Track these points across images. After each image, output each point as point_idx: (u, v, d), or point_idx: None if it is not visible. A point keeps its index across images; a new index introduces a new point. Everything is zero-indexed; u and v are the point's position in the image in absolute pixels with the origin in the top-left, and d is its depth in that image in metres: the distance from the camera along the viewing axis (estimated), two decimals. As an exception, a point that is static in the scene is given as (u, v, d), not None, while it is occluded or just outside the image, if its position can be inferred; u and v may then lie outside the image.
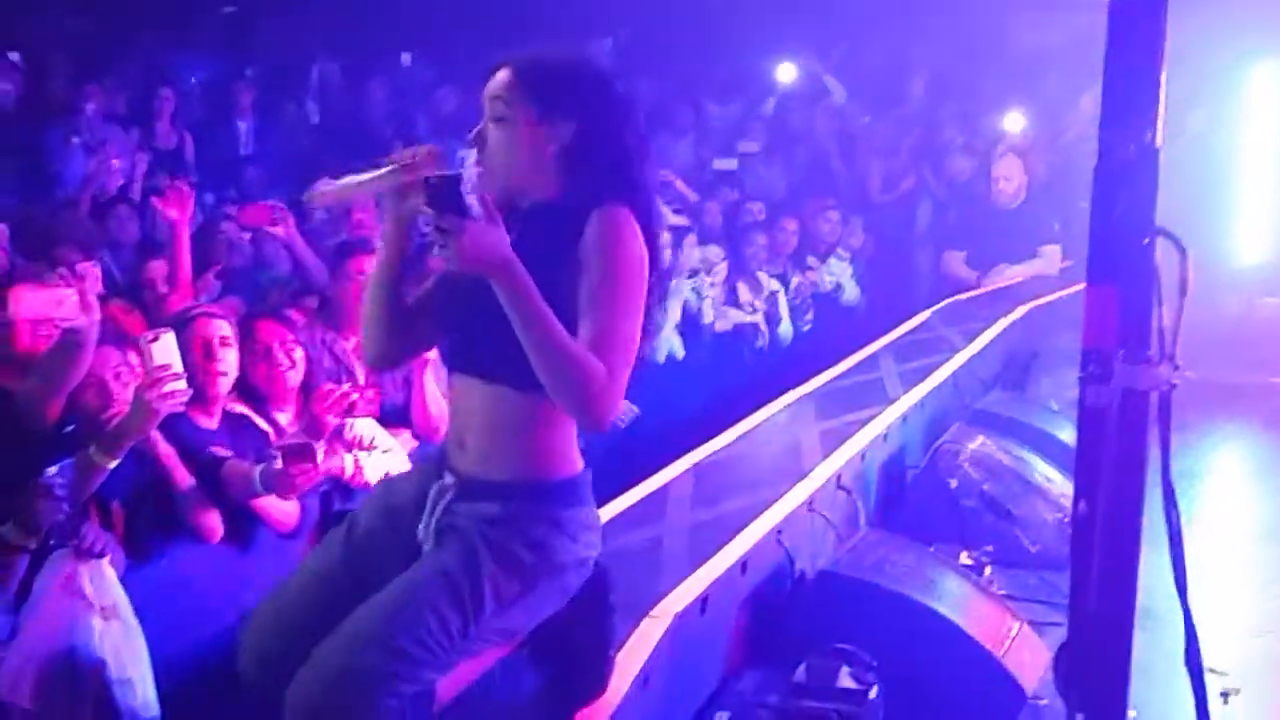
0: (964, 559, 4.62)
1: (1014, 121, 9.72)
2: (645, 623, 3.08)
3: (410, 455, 4.46)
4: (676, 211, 7.82)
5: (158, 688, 3.34)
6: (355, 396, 4.15)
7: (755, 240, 7.93)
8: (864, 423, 5.04)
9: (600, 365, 2.39)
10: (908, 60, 11.17)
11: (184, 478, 3.85)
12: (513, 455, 2.55)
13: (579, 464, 2.62)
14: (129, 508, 3.78)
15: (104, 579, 3.33)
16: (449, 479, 2.59)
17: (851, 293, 8.56)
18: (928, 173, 9.70)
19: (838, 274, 8.53)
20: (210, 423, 4.06)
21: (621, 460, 4.60)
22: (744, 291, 7.71)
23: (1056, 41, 10.70)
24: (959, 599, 3.93)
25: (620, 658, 2.86)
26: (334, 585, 2.60)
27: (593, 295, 2.45)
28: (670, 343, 6.78)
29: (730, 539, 3.70)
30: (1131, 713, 2.75)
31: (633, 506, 3.98)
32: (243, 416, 4.20)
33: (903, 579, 3.88)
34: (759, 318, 7.70)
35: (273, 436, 4.18)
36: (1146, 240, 2.59)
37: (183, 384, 3.52)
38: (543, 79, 2.57)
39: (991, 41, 11.26)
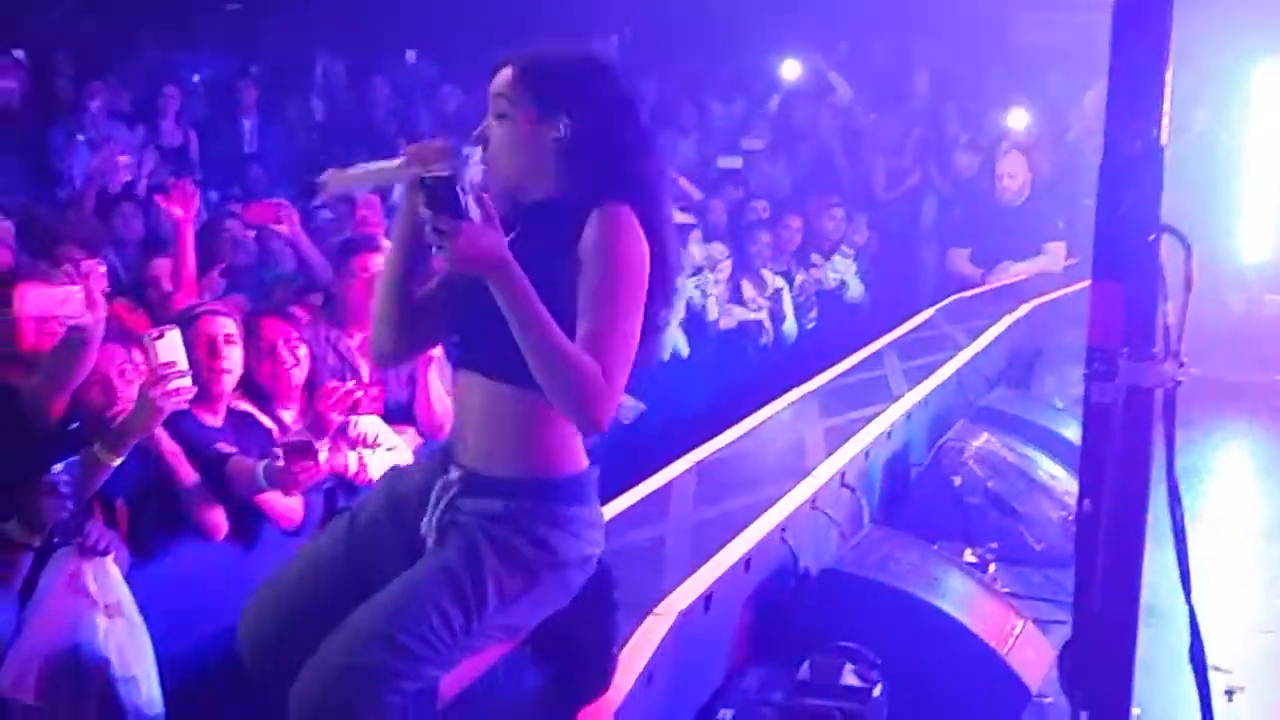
0: (968, 557, 4.61)
1: (1018, 118, 9.72)
2: (649, 620, 3.08)
3: (415, 453, 4.47)
4: (681, 209, 7.81)
5: (162, 685, 3.34)
6: (359, 394, 4.16)
7: (759, 238, 7.93)
8: (868, 420, 5.04)
9: (596, 368, 2.39)
10: (911, 57, 11.17)
11: (188, 475, 3.86)
12: (515, 452, 2.55)
13: (583, 462, 2.61)
14: (133, 505, 3.78)
15: (108, 577, 3.33)
16: (454, 474, 2.59)
17: (856, 290, 8.56)
18: (932, 170, 9.70)
19: (842, 271, 8.52)
20: (215, 420, 4.07)
21: (625, 458, 4.60)
22: (748, 289, 7.71)
23: (1060, 39, 10.72)
24: (963, 597, 3.93)
25: (624, 655, 2.86)
26: (334, 573, 2.61)
27: (591, 295, 2.44)
28: (675, 340, 6.77)
29: (734, 536, 3.70)
30: (1136, 710, 2.75)
31: (636, 504, 3.97)
32: (247, 414, 4.20)
33: (907, 577, 3.88)
34: (763, 315, 7.70)
35: (277, 434, 4.18)
36: (1152, 237, 2.59)
37: (187, 381, 3.53)
38: (542, 76, 2.57)
39: (995, 38, 11.27)
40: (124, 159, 7.78)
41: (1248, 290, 9.32)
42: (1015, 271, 8.20)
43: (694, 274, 7.17)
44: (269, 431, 4.19)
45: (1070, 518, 4.54)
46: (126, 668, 3.27)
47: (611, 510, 3.64)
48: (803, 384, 5.67)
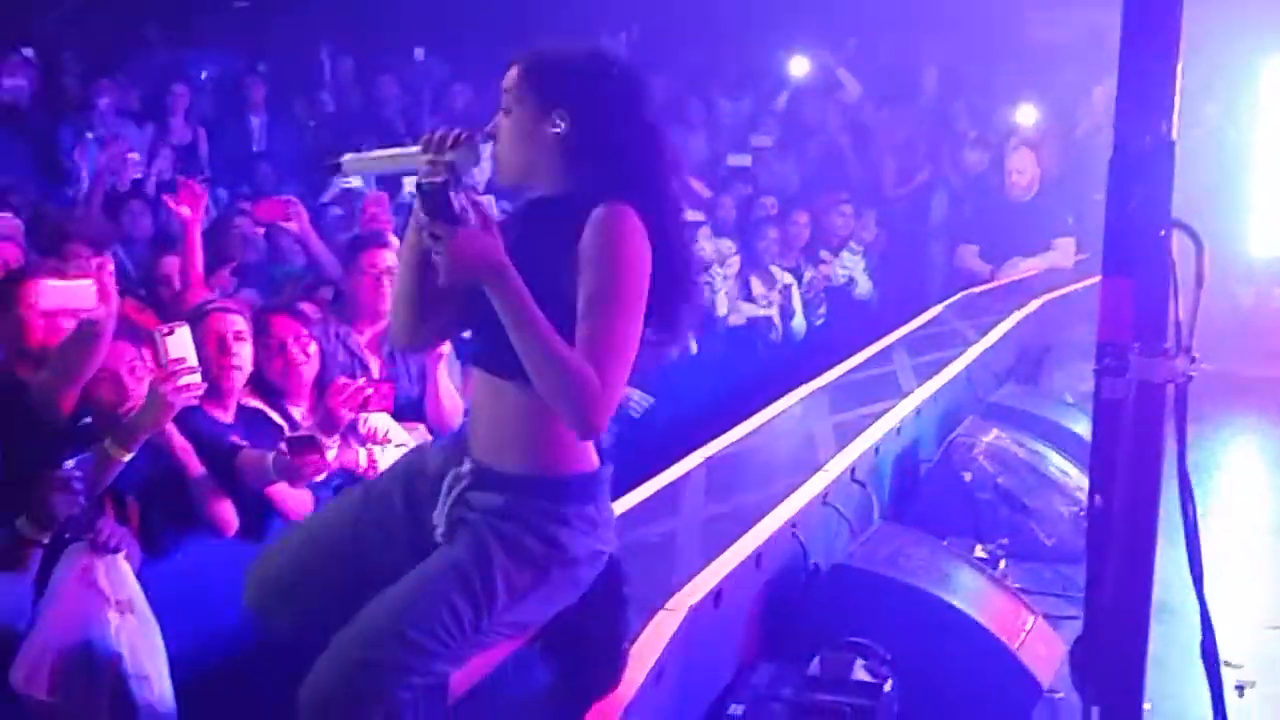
0: (979, 552, 4.62)
1: (1027, 114, 9.70)
2: (659, 616, 3.08)
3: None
4: (690, 207, 7.82)
5: (173, 681, 3.35)
6: (370, 391, 4.16)
7: (768, 234, 7.94)
8: (877, 416, 5.04)
9: (592, 372, 2.37)
10: (920, 53, 11.16)
11: (199, 471, 3.87)
12: (522, 450, 2.55)
13: (594, 461, 2.59)
14: (144, 501, 3.79)
15: (119, 573, 3.33)
16: (467, 465, 2.59)
17: (864, 286, 8.56)
18: (944, 166, 9.69)
19: (851, 267, 8.53)
20: (225, 416, 4.08)
21: (635, 453, 4.60)
22: (757, 285, 7.72)
23: (1069, 35, 10.70)
24: (974, 592, 3.93)
25: (634, 651, 2.85)
26: (338, 539, 2.64)
27: (590, 297, 2.42)
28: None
29: (744, 532, 3.69)
30: (1147, 706, 2.74)
31: (647, 500, 3.97)
32: (257, 410, 4.21)
33: (917, 572, 3.87)
34: (773, 311, 7.70)
35: (287, 430, 4.18)
36: (1162, 233, 2.58)
37: (197, 377, 3.54)
38: (544, 72, 2.56)
39: (1004, 34, 11.25)
40: (133, 157, 7.81)
41: (1257, 284, 9.30)
42: (1025, 267, 8.19)
43: (703, 271, 7.18)
44: (279, 428, 4.19)
45: (1081, 513, 4.55)
46: (138, 664, 3.27)
47: (622, 506, 3.63)
48: (812, 380, 5.67)
